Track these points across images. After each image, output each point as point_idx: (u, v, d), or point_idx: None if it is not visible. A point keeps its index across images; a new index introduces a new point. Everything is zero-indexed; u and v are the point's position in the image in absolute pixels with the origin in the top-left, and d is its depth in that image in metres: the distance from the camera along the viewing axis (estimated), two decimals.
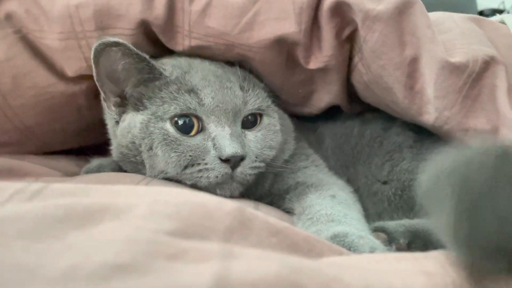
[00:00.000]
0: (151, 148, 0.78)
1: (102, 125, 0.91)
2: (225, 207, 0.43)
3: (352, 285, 0.35)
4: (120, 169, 0.88)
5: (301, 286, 0.32)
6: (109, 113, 0.85)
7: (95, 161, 0.91)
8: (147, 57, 0.78)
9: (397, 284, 0.38)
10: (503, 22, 0.95)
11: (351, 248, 0.61)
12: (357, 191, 0.92)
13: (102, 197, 0.42)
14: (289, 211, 0.84)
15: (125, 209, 0.37)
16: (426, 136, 0.92)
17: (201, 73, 0.81)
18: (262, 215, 0.47)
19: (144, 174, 0.82)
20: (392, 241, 0.71)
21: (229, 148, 0.74)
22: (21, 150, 0.93)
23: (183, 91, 0.78)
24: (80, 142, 1.02)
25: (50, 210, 0.36)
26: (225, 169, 0.75)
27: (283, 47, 0.85)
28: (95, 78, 0.79)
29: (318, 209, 0.75)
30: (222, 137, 0.76)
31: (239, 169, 0.76)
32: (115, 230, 0.34)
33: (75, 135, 0.99)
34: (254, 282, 0.30)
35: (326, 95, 0.95)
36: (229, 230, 0.40)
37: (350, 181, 0.95)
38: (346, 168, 0.98)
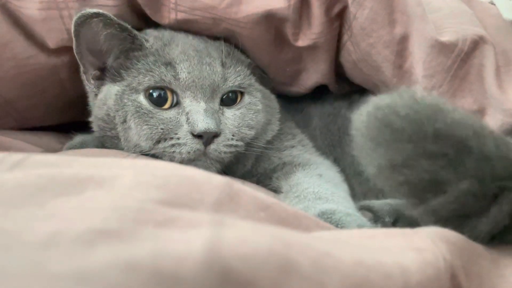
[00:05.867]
0: (125, 121, 0.77)
1: (85, 100, 0.89)
2: (213, 180, 0.42)
3: (344, 260, 0.35)
4: (103, 146, 0.86)
5: (293, 261, 0.32)
6: (88, 86, 0.84)
7: (78, 137, 0.89)
8: (129, 26, 0.76)
9: (388, 260, 0.37)
10: (492, 3, 0.94)
11: (339, 225, 0.62)
12: (343, 170, 0.92)
13: (86, 168, 0.41)
14: (275, 190, 0.84)
15: (110, 179, 0.36)
16: None
17: (181, 46, 0.80)
18: (251, 190, 0.46)
19: (122, 149, 0.80)
20: (377, 220, 0.71)
21: (202, 123, 0.73)
22: (1, 125, 0.90)
23: (160, 63, 0.76)
24: (63, 118, 1.00)
25: (32, 179, 0.34)
26: (197, 145, 0.74)
27: (271, 22, 0.84)
28: (74, 51, 0.77)
29: (305, 187, 0.75)
30: (196, 112, 0.74)
31: (212, 146, 0.75)
32: (100, 198, 0.33)
33: (58, 110, 0.96)
34: (246, 256, 0.29)
35: (314, 74, 0.94)
36: (218, 203, 0.39)
37: (336, 160, 0.96)
38: (333, 148, 0.98)
